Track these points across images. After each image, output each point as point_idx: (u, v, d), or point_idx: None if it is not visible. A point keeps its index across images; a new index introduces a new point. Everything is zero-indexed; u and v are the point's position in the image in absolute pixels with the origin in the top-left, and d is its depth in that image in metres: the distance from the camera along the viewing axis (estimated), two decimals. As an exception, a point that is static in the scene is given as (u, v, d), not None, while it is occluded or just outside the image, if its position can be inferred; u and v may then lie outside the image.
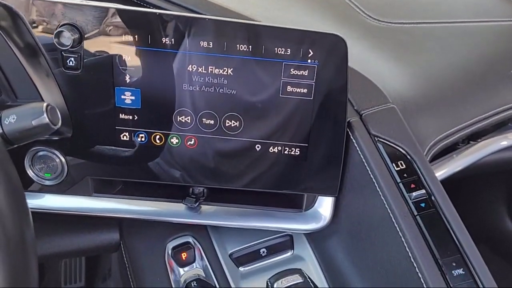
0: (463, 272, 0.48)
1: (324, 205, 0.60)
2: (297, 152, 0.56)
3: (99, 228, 0.64)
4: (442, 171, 0.70)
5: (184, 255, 0.61)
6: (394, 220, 0.51)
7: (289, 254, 0.61)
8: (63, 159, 0.57)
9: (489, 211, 1.28)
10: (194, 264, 0.60)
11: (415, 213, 0.51)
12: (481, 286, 0.47)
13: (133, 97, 0.54)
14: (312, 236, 0.62)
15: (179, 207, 0.60)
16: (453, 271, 0.48)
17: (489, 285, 0.47)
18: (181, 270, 0.60)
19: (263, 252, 0.61)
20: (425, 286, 0.47)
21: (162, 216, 0.60)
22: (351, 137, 0.56)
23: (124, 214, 0.60)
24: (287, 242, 0.62)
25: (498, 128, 0.79)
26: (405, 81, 0.69)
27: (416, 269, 0.48)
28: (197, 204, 0.58)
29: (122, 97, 0.54)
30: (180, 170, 0.58)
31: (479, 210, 1.32)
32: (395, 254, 0.51)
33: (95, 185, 0.59)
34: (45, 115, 0.44)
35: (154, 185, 0.60)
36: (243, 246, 0.61)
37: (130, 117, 0.55)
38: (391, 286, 0.52)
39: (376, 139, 0.56)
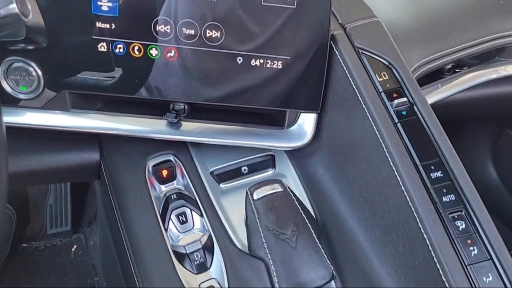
0: (442, 175, 0.48)
1: (307, 123, 0.59)
2: (279, 65, 0.55)
3: (79, 147, 0.63)
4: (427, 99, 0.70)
5: (164, 172, 0.60)
6: (375, 128, 0.51)
7: (270, 172, 0.61)
8: (39, 72, 0.55)
9: (475, 162, 1.29)
10: (174, 181, 0.60)
11: (396, 120, 0.51)
12: (458, 186, 0.47)
13: (110, 4, 0.53)
14: (293, 155, 0.62)
15: (160, 123, 0.59)
16: (431, 174, 0.48)
17: (467, 186, 0.47)
18: (162, 187, 0.59)
19: (244, 170, 0.60)
20: (403, 188, 0.47)
21: (143, 132, 0.59)
22: (335, 49, 0.56)
23: (103, 130, 0.59)
24: (268, 161, 0.61)
25: (485, 60, 0.79)
26: (394, 3, 0.68)
27: (395, 172, 0.48)
28: (177, 119, 0.57)
29: (99, 3, 0.53)
30: (160, 85, 0.56)
31: (464, 162, 1.34)
32: (375, 162, 0.51)
33: (73, 100, 0.58)
34: (14, 4, 0.43)
35: (134, 102, 0.59)
36: (225, 164, 0.61)
37: (108, 26, 0.53)
38: (369, 197, 0.52)
39: (360, 51, 0.55)
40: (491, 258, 0.44)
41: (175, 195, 0.57)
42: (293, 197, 0.54)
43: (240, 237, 0.54)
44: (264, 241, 0.50)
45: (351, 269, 0.51)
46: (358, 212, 0.54)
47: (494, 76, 0.78)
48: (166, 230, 0.55)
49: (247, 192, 0.54)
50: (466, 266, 0.44)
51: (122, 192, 0.59)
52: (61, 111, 0.58)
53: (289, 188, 0.55)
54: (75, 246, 1.14)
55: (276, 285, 0.48)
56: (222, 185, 0.59)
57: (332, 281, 0.50)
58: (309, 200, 0.57)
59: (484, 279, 0.43)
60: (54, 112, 0.58)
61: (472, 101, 0.83)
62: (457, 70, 0.74)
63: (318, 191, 0.58)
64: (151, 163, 0.60)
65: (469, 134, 1.15)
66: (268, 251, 0.50)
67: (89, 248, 1.14)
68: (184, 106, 0.58)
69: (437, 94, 0.73)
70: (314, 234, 0.51)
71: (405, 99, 0.52)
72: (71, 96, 0.57)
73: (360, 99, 0.53)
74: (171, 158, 0.61)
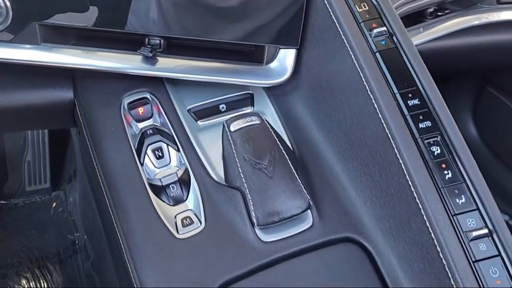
0: (418, 102, 0.48)
1: (286, 59, 0.58)
2: (257, -2, 0.54)
3: (52, 84, 0.62)
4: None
5: (141, 110, 0.59)
6: (353, 58, 0.50)
7: (248, 110, 0.60)
8: (7, 3, 0.53)
9: (455, 119, 1.30)
10: (151, 119, 0.59)
11: (375, 50, 0.50)
12: (434, 113, 0.47)
13: None
14: (272, 92, 0.61)
15: (135, 59, 0.58)
16: (408, 101, 0.47)
17: (443, 113, 0.47)
18: (138, 124, 0.58)
19: (223, 107, 0.59)
20: (380, 116, 0.47)
21: (117, 68, 0.57)
22: (314, -19, 0.54)
23: (76, 66, 0.57)
24: (247, 99, 0.60)
25: (467, 7, 0.78)
26: None
27: (373, 100, 0.48)
28: (152, 54, 0.56)
29: None
30: (135, 17, 0.55)
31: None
32: (353, 93, 0.50)
33: (44, 34, 0.56)
34: None
35: (108, 38, 0.58)
36: (202, 102, 0.60)
37: (79, -48, 0.51)
38: (347, 130, 0.52)
39: (340, -18, 0.54)
40: (465, 181, 0.44)
41: (151, 130, 0.56)
42: (271, 130, 0.53)
43: (217, 171, 0.54)
44: (240, 171, 0.50)
45: (328, 200, 0.51)
46: (336, 145, 0.53)
47: (476, 22, 0.78)
48: (142, 164, 0.54)
49: (224, 125, 0.53)
50: (439, 188, 0.44)
51: (96, 129, 0.58)
52: (32, 45, 0.56)
53: (267, 121, 0.55)
54: (54, 203, 1.13)
55: (252, 213, 0.48)
56: (200, 122, 0.58)
57: (308, 210, 0.50)
58: (287, 136, 0.57)
59: (457, 200, 0.43)
60: (24, 46, 0.56)
61: (453, 50, 0.83)
62: (439, 14, 0.73)
63: (296, 127, 0.57)
64: (126, 100, 0.59)
65: (451, 91, 1.16)
66: (244, 181, 0.49)
67: (69, 205, 1.13)
68: (160, 41, 0.57)
69: (418, 38, 0.73)
70: (291, 165, 0.51)
71: (384, 28, 0.51)
72: (41, 29, 0.55)
73: (339, 29, 0.52)
74: (147, 95, 0.60)
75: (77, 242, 1.06)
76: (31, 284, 1.01)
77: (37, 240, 1.08)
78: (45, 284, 1.01)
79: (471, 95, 1.19)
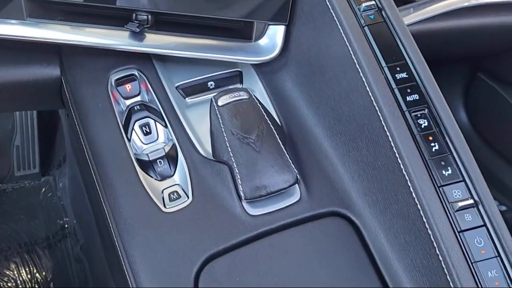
0: (406, 76, 0.47)
1: (275, 35, 0.58)
2: (246, -28, 0.53)
3: (38, 60, 0.61)
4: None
5: (128, 87, 0.58)
6: (342, 32, 0.50)
7: (237, 87, 0.60)
8: (-8, -24, 0.52)
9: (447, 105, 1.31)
10: (139, 96, 0.58)
11: (363, 24, 0.50)
12: (422, 86, 0.47)
13: None
14: (261, 70, 0.60)
15: (123, 35, 0.57)
16: (396, 75, 0.47)
17: (431, 86, 0.47)
18: (125, 101, 0.57)
19: (211, 85, 0.59)
20: (368, 89, 0.47)
21: (104, 44, 0.57)
22: (303, -46, 0.54)
23: (62, 41, 0.56)
24: (236, 76, 0.60)
25: (457, -12, 0.78)
26: None
27: (361, 74, 0.48)
28: (140, 29, 0.55)
29: None
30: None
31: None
32: (341, 67, 0.50)
33: (30, 8, 0.55)
34: None
35: (95, 14, 0.57)
36: (191, 79, 0.59)
37: None
38: (335, 104, 0.52)
39: (329, -43, 0.54)
40: (451, 153, 0.44)
41: (138, 106, 0.55)
42: (259, 105, 0.53)
43: (205, 147, 0.54)
44: (228, 145, 0.50)
45: (315, 175, 0.51)
46: (324, 121, 0.53)
47: (466, 4, 0.77)
48: (129, 140, 0.54)
49: (211, 100, 0.53)
50: (426, 160, 0.44)
51: (83, 106, 0.57)
52: (17, 20, 0.55)
53: (255, 97, 0.54)
54: (44, 189, 1.12)
55: (240, 187, 0.48)
56: (188, 100, 0.58)
57: (296, 185, 0.50)
58: (276, 112, 0.57)
59: (444, 172, 0.43)
60: (9, 21, 0.55)
61: (444, 32, 0.83)
62: (429, -6, 0.73)
63: (285, 103, 0.57)
64: (113, 77, 0.58)
65: (442, 77, 1.15)
66: (232, 155, 0.49)
67: (58, 190, 1.12)
68: (148, 16, 0.56)
69: (409, 18, 0.72)
70: (279, 140, 0.50)
71: (372, 2, 0.51)
72: (27, 4, 0.54)
73: (328, 4, 0.51)
74: (135, 72, 0.59)
75: (66, 226, 1.06)
76: (20, 268, 1.00)
77: (26, 225, 1.07)
78: (34, 268, 1.00)
79: (462, 82, 1.19)
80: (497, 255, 0.40)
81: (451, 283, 0.40)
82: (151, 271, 0.45)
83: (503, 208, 1.14)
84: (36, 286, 0.98)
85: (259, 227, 0.47)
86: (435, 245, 0.41)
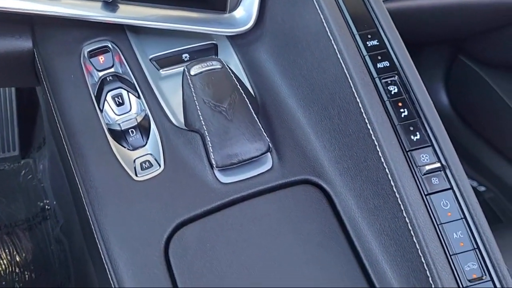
0: (377, 43, 0.48)
1: (249, 7, 0.57)
2: None
3: (9, 32, 0.60)
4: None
5: (101, 58, 0.57)
6: (314, 0, 0.49)
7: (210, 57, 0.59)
8: None
9: (427, 89, 1.32)
10: (112, 68, 0.58)
11: (336, -7, 0.50)
12: (393, 53, 0.47)
13: None
14: (237, 42, 0.60)
15: (95, 5, 0.56)
16: (367, 42, 0.47)
17: (401, 53, 0.47)
18: (99, 73, 0.57)
19: (186, 57, 0.59)
20: (339, 57, 0.47)
21: (77, 15, 0.56)
22: None
23: (34, 11, 0.55)
24: (211, 49, 0.60)
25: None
26: None
27: (332, 42, 0.48)
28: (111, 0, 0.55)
29: None
30: (94, -40, 0.53)
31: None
32: (314, 37, 0.50)
33: (0, -22, 0.54)
34: None
35: None
36: (165, 52, 0.59)
37: None
38: (308, 74, 0.52)
39: None
40: (420, 118, 0.45)
41: (110, 77, 0.55)
42: (232, 75, 0.53)
43: (178, 117, 0.53)
44: (199, 113, 0.49)
45: (288, 144, 0.51)
46: (297, 91, 0.53)
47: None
48: (101, 111, 0.53)
49: (184, 69, 0.53)
50: (395, 125, 0.44)
51: (55, 77, 0.56)
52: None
53: (228, 67, 0.54)
54: (23, 171, 1.11)
55: (211, 155, 0.48)
56: (162, 71, 0.58)
57: (268, 153, 0.50)
58: (250, 84, 0.56)
59: (412, 137, 0.44)
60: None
61: (422, 11, 0.83)
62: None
63: (259, 75, 0.57)
64: (86, 49, 0.58)
65: (423, 60, 1.16)
66: (203, 123, 0.49)
67: (39, 172, 1.11)
68: (121, -14, 0.55)
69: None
70: (251, 109, 0.50)
71: (345, -29, 0.50)
72: (-4, -27, 0.53)
73: None
74: (108, 44, 0.58)
75: (47, 208, 1.05)
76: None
77: (6, 207, 1.06)
78: (14, 250, 1.00)
79: (443, 64, 1.20)
80: (462, 217, 0.41)
81: (417, 245, 0.40)
82: (121, 238, 0.45)
83: (483, 188, 1.16)
84: (16, 268, 0.98)
85: (230, 194, 0.47)
86: (402, 208, 0.42)
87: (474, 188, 1.19)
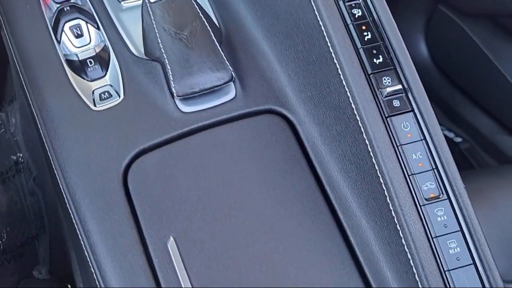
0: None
1: None
2: None
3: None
4: None
5: (59, -10, 0.55)
6: None
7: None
8: None
9: (407, 40, 1.31)
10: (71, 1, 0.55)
11: None
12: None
13: None
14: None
15: None
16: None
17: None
18: (56, 5, 0.54)
19: (149, -11, 0.56)
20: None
21: None
22: None
23: None
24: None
25: None
26: None
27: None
28: None
29: None
30: None
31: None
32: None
33: None
34: None
35: None
36: (127, -14, 0.56)
37: None
38: (273, 2, 0.50)
39: None
40: (383, 41, 0.43)
41: (68, 7, 0.53)
42: (194, 2, 0.51)
43: (138, 48, 0.51)
44: (159, 41, 0.48)
45: (252, 74, 0.50)
46: (263, 21, 0.52)
47: None
48: (58, 42, 0.51)
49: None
50: (357, 49, 0.43)
51: (10, 9, 0.54)
52: None
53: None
54: (-4, 125, 1.09)
55: (172, 83, 0.47)
56: (123, 3, 0.55)
57: (231, 83, 0.48)
58: (215, 14, 0.55)
59: (375, 60, 0.43)
60: None
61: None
62: None
63: (224, 6, 0.55)
64: None
65: (402, 10, 1.14)
66: (163, 51, 0.47)
67: (11, 126, 1.08)
68: None
69: None
70: (214, 38, 0.49)
71: None
72: None
73: None
74: None
75: (20, 161, 1.03)
76: (-28, 204, 0.98)
77: (-21, 162, 1.04)
78: (-12, 203, 0.99)
79: (423, 15, 1.18)
80: (422, 138, 0.41)
81: (375, 165, 0.40)
82: (79, 166, 0.44)
83: (459, 139, 1.16)
84: (-10, 221, 0.97)
85: (191, 123, 0.46)
86: (363, 130, 0.41)
87: (450, 140, 1.20)
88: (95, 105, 0.48)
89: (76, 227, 0.43)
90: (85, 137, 0.45)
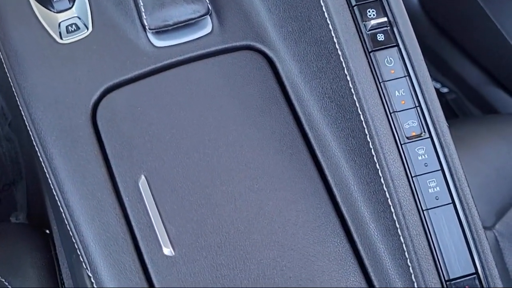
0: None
1: None
2: None
3: None
4: None
5: None
6: None
7: None
8: None
9: None
10: None
11: None
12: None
13: None
14: None
15: None
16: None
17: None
18: None
19: None
20: None
21: None
22: None
23: None
24: None
25: None
26: None
27: None
28: None
29: None
30: None
31: None
32: None
33: None
34: None
35: None
36: None
37: None
38: None
39: None
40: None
41: None
42: None
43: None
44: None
45: (231, 7, 0.47)
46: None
47: None
48: None
49: None
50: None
51: None
52: None
53: None
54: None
55: (143, 15, 0.43)
56: None
57: (208, 16, 0.45)
58: None
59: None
60: None
61: None
62: None
63: None
64: None
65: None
66: (135, -19, 0.44)
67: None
68: None
69: None
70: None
71: None
72: None
73: None
74: None
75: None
76: None
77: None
78: (-37, 151, 0.96)
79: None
80: (406, 74, 0.39)
81: (356, 103, 0.38)
82: (44, 101, 0.42)
83: (445, 90, 1.15)
84: (-33, 168, 0.95)
85: (165, 58, 0.44)
86: (344, 65, 0.39)
87: (436, 90, 1.19)
88: (61, 38, 0.45)
89: (44, 165, 0.41)
90: (51, 71, 0.43)
